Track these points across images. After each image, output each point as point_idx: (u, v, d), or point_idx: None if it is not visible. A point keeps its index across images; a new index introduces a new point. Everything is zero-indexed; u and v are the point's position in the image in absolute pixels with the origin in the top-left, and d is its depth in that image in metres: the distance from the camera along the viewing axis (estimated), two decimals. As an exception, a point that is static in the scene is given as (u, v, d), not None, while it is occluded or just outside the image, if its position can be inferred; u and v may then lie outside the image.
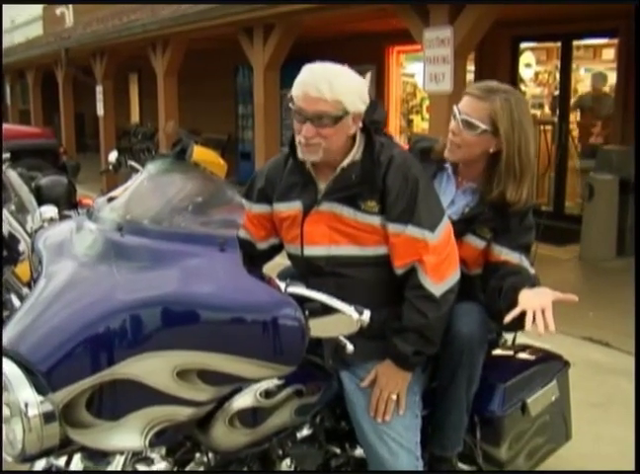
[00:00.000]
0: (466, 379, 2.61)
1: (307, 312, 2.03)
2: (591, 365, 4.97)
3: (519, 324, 2.42)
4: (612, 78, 9.58)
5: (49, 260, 2.16)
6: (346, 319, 2.05)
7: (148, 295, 1.92)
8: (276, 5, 7.99)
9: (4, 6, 18.93)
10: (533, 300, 2.41)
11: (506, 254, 2.69)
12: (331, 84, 2.33)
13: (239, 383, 2.10)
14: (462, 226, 2.67)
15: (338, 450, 2.68)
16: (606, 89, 10.15)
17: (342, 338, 2.15)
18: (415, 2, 6.83)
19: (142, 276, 1.97)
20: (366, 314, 2.06)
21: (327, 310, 2.06)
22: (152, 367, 1.89)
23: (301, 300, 2.05)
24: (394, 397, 2.48)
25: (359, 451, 2.66)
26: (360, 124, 2.47)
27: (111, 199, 2.30)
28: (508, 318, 2.39)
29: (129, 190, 2.31)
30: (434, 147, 2.85)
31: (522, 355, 2.96)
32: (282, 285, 2.09)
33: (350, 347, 2.16)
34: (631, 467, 3.41)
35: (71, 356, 1.84)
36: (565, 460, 3.38)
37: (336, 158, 2.47)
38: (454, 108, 2.70)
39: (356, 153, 2.48)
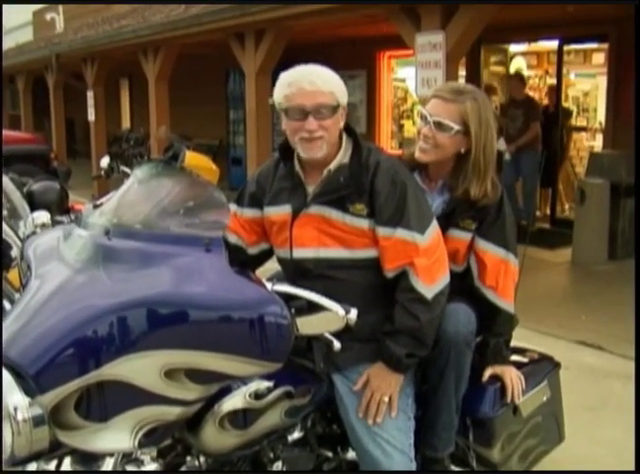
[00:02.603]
0: (454, 379, 2.62)
1: (293, 310, 2.05)
2: (584, 369, 4.96)
3: None
4: (603, 82, 9.62)
5: (38, 265, 2.18)
6: (332, 316, 2.07)
7: (135, 297, 1.93)
8: (268, 11, 7.98)
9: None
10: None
11: (494, 251, 2.73)
12: (321, 77, 2.43)
13: (226, 381, 2.11)
14: (444, 222, 2.68)
15: (330, 454, 2.68)
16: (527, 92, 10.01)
17: (328, 335, 2.16)
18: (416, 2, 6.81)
19: (129, 278, 1.98)
20: (354, 312, 2.08)
21: (313, 308, 2.08)
22: (140, 368, 1.90)
23: (288, 298, 2.07)
24: (386, 399, 2.47)
25: (350, 454, 2.66)
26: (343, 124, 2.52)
27: (97, 207, 2.31)
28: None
29: (117, 195, 2.33)
30: (400, 157, 2.88)
31: (513, 357, 2.95)
32: (269, 284, 2.10)
33: (337, 344, 2.18)
34: (627, 468, 3.42)
35: (59, 359, 1.84)
36: (559, 463, 3.37)
37: (330, 155, 2.50)
38: (423, 111, 2.72)
39: (343, 156, 2.52)
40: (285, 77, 2.45)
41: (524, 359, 3.04)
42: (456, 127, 2.64)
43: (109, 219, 2.17)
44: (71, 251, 2.14)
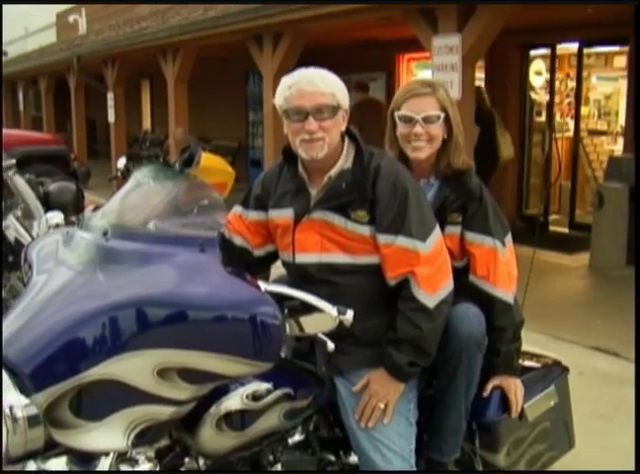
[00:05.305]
0: (465, 381, 2.59)
1: (286, 310, 2.05)
2: (598, 375, 4.91)
3: None
4: (625, 86, 9.49)
5: (39, 266, 2.22)
6: (325, 317, 2.07)
7: (128, 297, 1.93)
8: (285, 13, 7.99)
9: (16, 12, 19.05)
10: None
11: (480, 240, 2.69)
12: (322, 78, 2.42)
13: (218, 381, 2.10)
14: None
15: (332, 457, 2.66)
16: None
17: (322, 336, 2.17)
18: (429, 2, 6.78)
19: (124, 278, 1.99)
20: (349, 313, 2.07)
21: (307, 308, 2.07)
22: (133, 367, 1.91)
23: (282, 299, 2.06)
24: (381, 406, 2.45)
25: (353, 458, 2.63)
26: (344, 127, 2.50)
27: (97, 209, 2.33)
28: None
29: (117, 196, 2.36)
30: None
31: (520, 362, 2.92)
32: (263, 285, 2.10)
33: (330, 345, 2.18)
34: (634, 474, 3.36)
35: (54, 358, 1.86)
36: (569, 470, 3.32)
37: (331, 159, 2.48)
38: (406, 113, 2.71)
39: (345, 162, 2.50)
40: (286, 80, 2.45)
41: (532, 364, 3.00)
42: (442, 115, 2.69)
43: (108, 221, 2.20)
44: (72, 253, 2.17)
